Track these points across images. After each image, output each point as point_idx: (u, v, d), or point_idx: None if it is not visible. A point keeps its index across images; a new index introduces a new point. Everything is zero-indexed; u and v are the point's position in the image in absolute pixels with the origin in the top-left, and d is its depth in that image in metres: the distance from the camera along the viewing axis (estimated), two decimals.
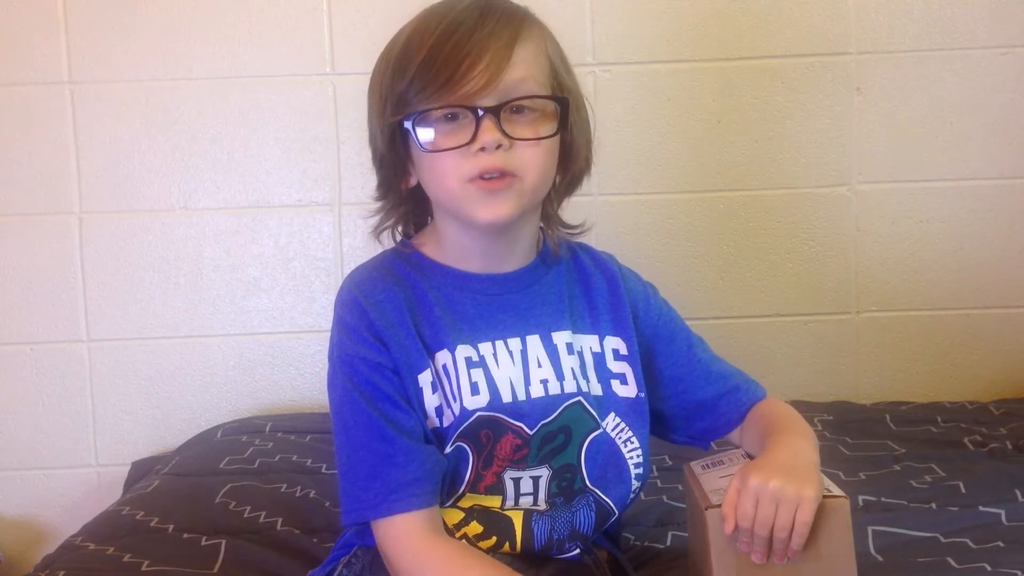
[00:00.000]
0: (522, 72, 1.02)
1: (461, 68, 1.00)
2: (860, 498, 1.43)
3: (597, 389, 1.12)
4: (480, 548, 1.07)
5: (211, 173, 1.97)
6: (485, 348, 1.09)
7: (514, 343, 1.10)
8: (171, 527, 1.45)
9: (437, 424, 1.07)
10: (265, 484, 1.58)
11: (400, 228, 1.17)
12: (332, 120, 1.96)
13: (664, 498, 1.48)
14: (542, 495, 1.09)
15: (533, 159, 1.03)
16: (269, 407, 2.00)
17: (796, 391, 1.96)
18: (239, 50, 1.95)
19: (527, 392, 1.09)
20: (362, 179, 1.96)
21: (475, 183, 1.02)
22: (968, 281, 1.97)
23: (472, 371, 1.07)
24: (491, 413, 1.07)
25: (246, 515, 1.48)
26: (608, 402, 1.12)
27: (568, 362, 1.11)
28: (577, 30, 1.92)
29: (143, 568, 1.31)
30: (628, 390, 1.13)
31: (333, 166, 1.97)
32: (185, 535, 1.42)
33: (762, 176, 1.96)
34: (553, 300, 1.13)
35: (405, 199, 1.14)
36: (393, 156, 1.08)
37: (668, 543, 1.35)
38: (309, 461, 1.68)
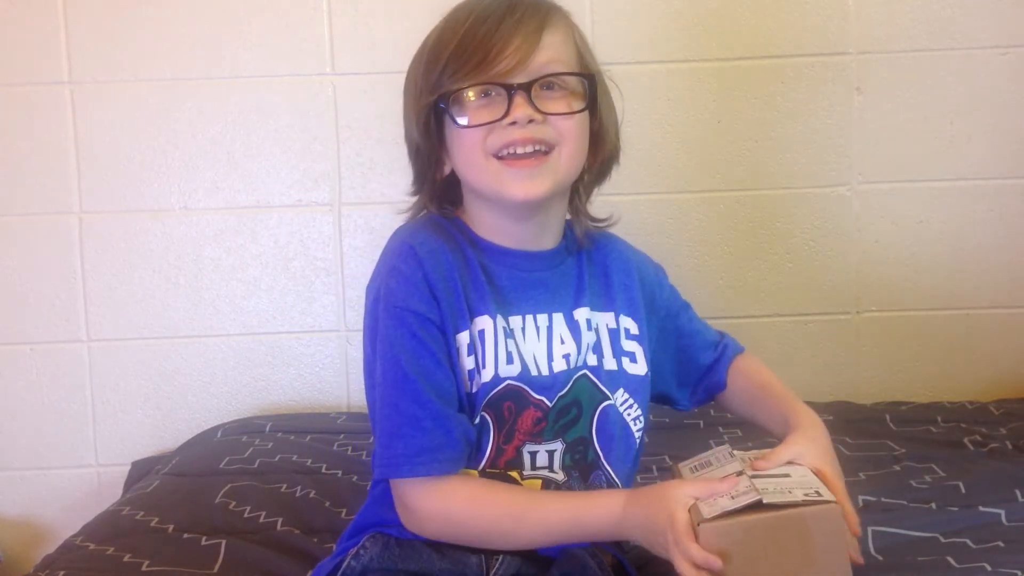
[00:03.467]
0: (551, 54, 1.07)
1: (493, 50, 1.04)
2: (860, 498, 1.42)
3: (612, 364, 1.16)
4: None
5: (211, 173, 1.97)
6: (515, 322, 1.12)
7: (542, 319, 1.13)
8: (171, 527, 1.45)
9: (469, 388, 1.09)
10: (265, 484, 1.58)
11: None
12: (332, 120, 1.96)
13: None
14: (556, 467, 1.12)
15: (569, 130, 1.08)
16: (269, 407, 2.00)
17: (796, 391, 1.94)
18: (239, 50, 1.95)
19: (550, 367, 1.12)
20: (362, 179, 1.96)
21: (504, 161, 1.06)
22: (968, 281, 1.97)
23: (508, 341, 1.10)
24: (519, 384, 1.09)
25: (246, 515, 1.48)
26: (619, 378, 1.16)
27: (587, 337, 1.14)
28: None
29: (143, 568, 1.31)
30: (638, 368, 1.17)
31: (333, 166, 1.97)
32: (185, 535, 1.42)
33: (762, 176, 1.96)
34: (574, 280, 1.17)
35: (439, 189, 1.16)
36: (427, 144, 1.11)
37: None
38: (309, 461, 1.67)
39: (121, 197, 1.97)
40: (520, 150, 1.06)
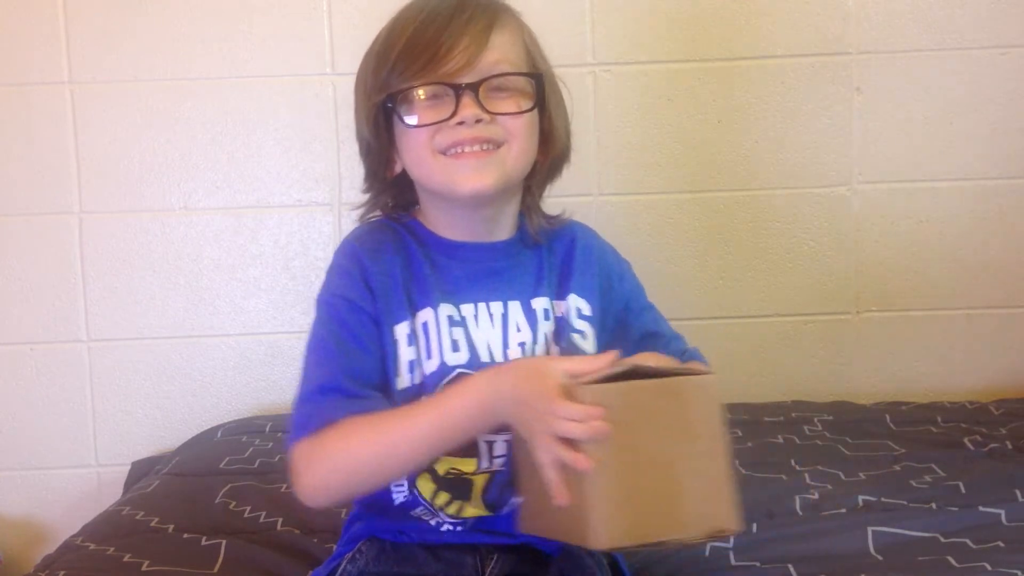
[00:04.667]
0: (499, 55, 1.07)
1: (441, 50, 1.04)
2: (860, 498, 1.43)
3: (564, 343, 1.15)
4: (448, 514, 1.11)
5: (211, 173, 1.97)
6: (467, 309, 1.12)
7: (496, 306, 1.13)
8: (171, 527, 1.45)
9: (409, 383, 1.08)
10: (265, 484, 1.58)
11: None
12: (332, 120, 1.96)
13: None
14: None
15: (517, 128, 1.08)
16: (269, 407, 2.00)
17: (796, 391, 1.96)
18: (239, 50, 1.95)
19: (505, 355, 1.11)
20: (362, 179, 1.96)
21: (452, 156, 1.06)
22: (968, 281, 1.97)
23: (453, 329, 1.10)
24: (470, 372, 1.08)
25: (246, 515, 1.48)
26: (573, 353, 1.14)
27: (544, 327, 1.14)
28: (577, 30, 1.92)
29: (143, 568, 1.31)
30: (587, 345, 1.15)
31: (333, 166, 1.97)
32: (185, 535, 1.42)
33: (762, 176, 1.96)
34: (533, 270, 1.17)
35: (390, 187, 1.17)
36: (377, 142, 1.12)
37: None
38: None
39: (121, 197, 1.97)
40: (468, 149, 1.06)
